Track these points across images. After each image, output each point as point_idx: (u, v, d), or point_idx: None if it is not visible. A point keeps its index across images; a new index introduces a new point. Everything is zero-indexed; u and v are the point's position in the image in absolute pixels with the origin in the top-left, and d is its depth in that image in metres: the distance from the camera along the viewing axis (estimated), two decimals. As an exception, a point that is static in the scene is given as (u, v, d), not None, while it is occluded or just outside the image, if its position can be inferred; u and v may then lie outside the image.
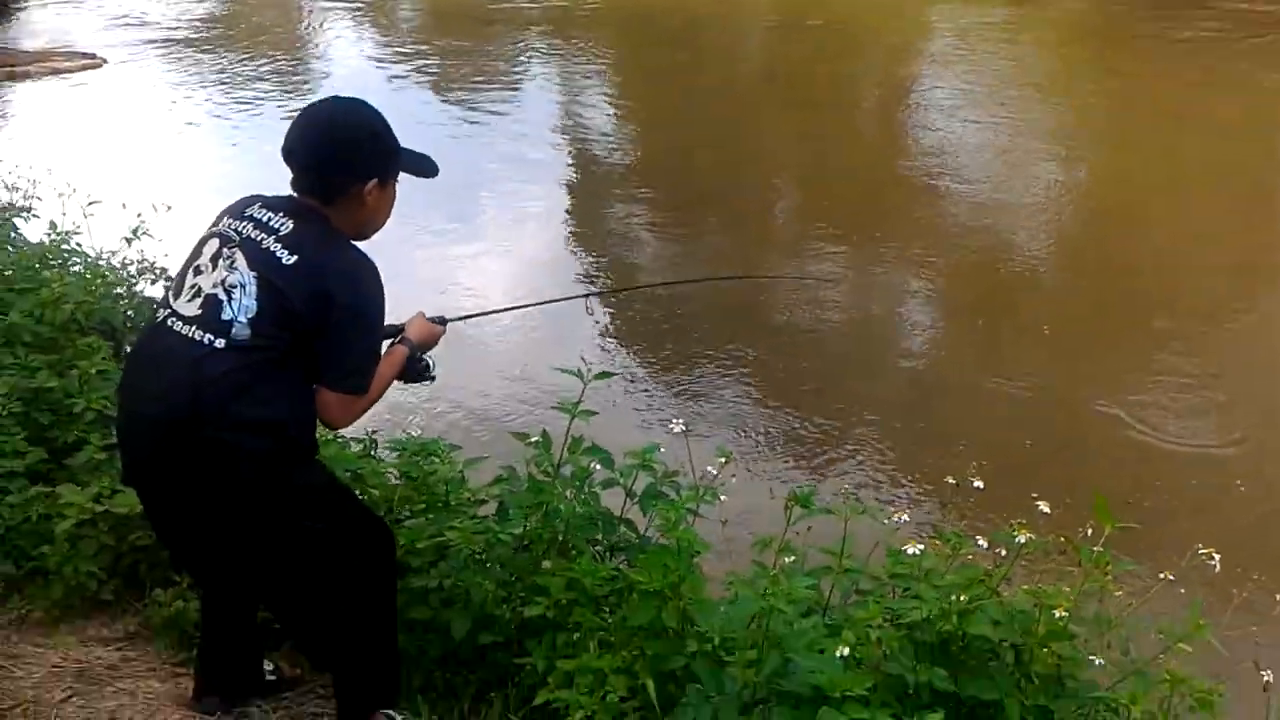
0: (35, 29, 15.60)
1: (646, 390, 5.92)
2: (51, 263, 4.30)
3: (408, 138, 2.55)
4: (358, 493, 3.01)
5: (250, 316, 2.28)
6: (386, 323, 2.53)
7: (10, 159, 6.44)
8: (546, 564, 2.83)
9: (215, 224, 2.43)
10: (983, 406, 5.69)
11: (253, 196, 2.46)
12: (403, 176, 2.53)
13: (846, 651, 2.17)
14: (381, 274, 2.43)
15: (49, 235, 4.45)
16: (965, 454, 5.16)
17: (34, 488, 3.27)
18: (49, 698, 2.88)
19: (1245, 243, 7.79)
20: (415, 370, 2.66)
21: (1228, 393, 5.84)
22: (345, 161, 2.41)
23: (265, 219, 2.38)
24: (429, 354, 2.70)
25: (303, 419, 2.40)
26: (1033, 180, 9.09)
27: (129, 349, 2.53)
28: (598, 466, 2.93)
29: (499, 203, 8.88)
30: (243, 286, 2.30)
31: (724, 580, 2.63)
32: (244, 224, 2.38)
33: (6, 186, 5.29)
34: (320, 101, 2.53)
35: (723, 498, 2.84)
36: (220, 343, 2.27)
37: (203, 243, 2.40)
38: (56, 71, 12.80)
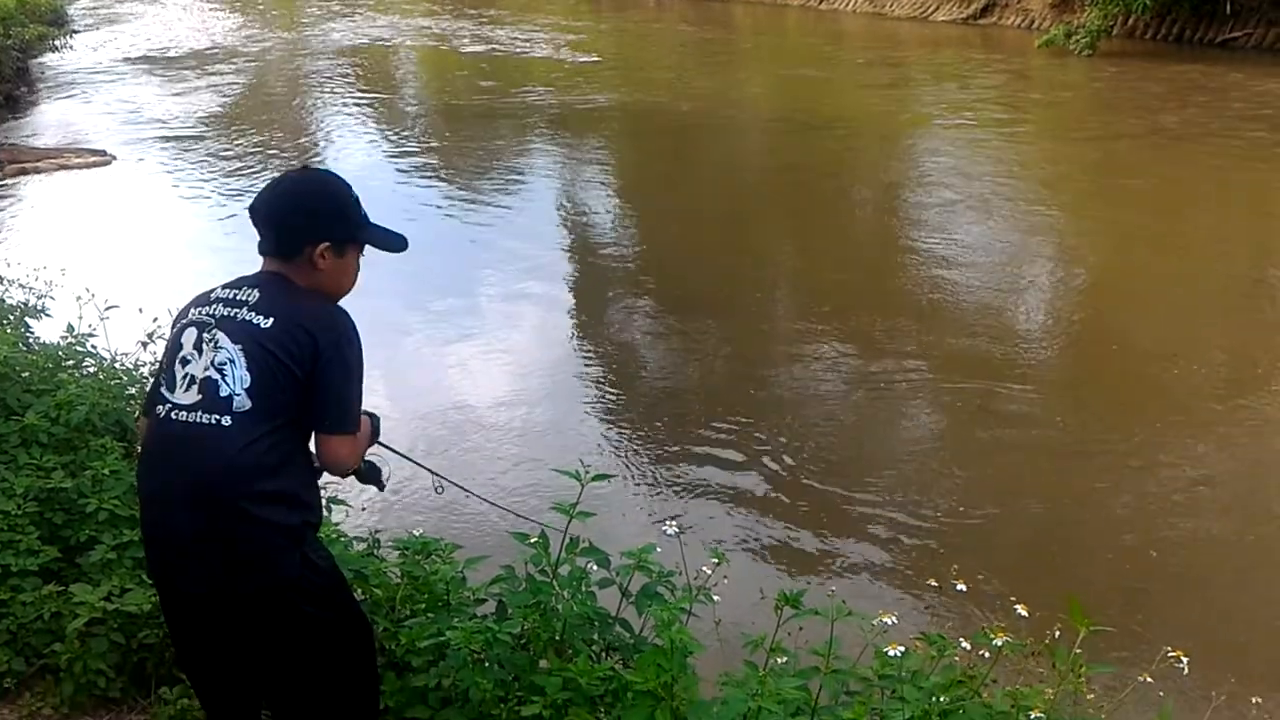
0: (45, 124, 15.99)
1: (639, 485, 6.01)
2: (66, 364, 4.41)
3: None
4: (360, 593, 3.10)
5: (246, 386, 2.38)
6: None
7: (22, 256, 6.61)
8: (544, 663, 2.91)
9: (185, 316, 2.53)
10: (973, 502, 5.78)
11: (211, 288, 2.56)
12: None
13: (834, 751, 2.26)
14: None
15: (65, 338, 4.57)
16: (953, 554, 5.25)
17: (46, 586, 3.35)
18: (58, 795, 2.94)
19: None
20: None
21: (1218, 493, 5.94)
22: (300, 219, 2.53)
23: (232, 296, 2.49)
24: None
25: (311, 486, 2.52)
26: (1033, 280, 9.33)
27: (140, 449, 2.62)
28: (595, 566, 3.02)
29: (499, 301, 9.07)
30: (232, 361, 2.39)
31: (717, 680, 2.71)
32: (214, 307, 2.48)
33: (20, 285, 5.40)
34: (294, 169, 2.71)
35: (716, 598, 2.93)
36: (227, 420, 2.36)
37: (179, 334, 2.49)
38: (66, 168, 13.09)
